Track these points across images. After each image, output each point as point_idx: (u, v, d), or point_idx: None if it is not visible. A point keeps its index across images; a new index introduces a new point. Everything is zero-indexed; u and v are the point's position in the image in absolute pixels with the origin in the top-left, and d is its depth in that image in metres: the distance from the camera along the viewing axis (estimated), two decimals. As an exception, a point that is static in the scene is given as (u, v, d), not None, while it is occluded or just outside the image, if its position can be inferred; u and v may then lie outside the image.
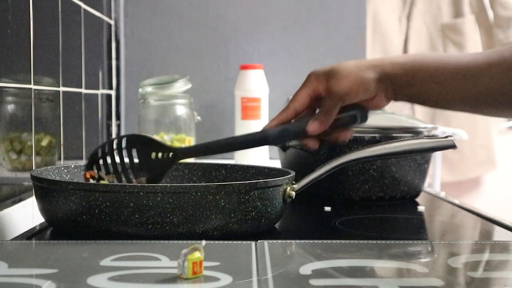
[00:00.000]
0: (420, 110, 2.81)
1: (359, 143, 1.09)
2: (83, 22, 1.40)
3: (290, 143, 1.14)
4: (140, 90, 1.55)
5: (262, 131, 0.93)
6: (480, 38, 2.84)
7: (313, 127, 0.91)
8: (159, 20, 1.78)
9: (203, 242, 0.61)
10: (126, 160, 0.97)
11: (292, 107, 0.92)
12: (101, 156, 0.96)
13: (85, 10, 1.42)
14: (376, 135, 1.12)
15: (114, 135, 1.71)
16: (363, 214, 1.07)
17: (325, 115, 0.91)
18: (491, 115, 0.95)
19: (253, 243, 0.74)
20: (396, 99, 0.93)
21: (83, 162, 1.37)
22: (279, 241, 0.80)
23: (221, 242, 0.74)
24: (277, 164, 1.31)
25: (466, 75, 0.89)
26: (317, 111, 0.93)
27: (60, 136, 1.23)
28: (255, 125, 1.60)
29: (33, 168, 1.07)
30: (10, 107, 1.01)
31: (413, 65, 0.90)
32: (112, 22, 1.71)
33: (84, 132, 1.40)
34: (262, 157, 1.61)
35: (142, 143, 0.96)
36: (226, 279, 0.61)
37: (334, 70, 0.91)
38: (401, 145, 0.90)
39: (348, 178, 1.11)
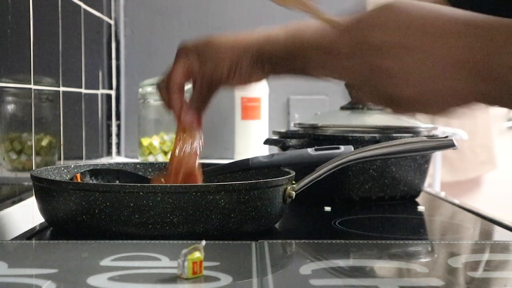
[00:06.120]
0: (420, 110, 2.81)
1: (359, 143, 1.09)
2: (83, 22, 1.40)
3: (290, 143, 1.14)
4: (140, 90, 1.55)
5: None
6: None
7: (187, 119, 0.83)
8: (159, 20, 1.78)
9: (203, 242, 0.61)
10: None
11: (171, 92, 0.85)
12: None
13: (85, 10, 1.42)
14: (376, 135, 1.12)
15: (114, 135, 1.71)
16: (363, 214, 1.07)
17: (197, 101, 0.84)
18: None
19: (253, 243, 0.74)
20: (275, 73, 0.83)
21: (83, 162, 1.38)
22: (279, 241, 0.80)
23: (221, 242, 0.74)
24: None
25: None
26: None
27: (60, 136, 1.23)
28: (255, 125, 1.60)
29: (33, 168, 1.07)
30: (10, 107, 1.01)
31: (294, 41, 0.81)
32: (112, 22, 1.71)
33: (84, 132, 1.40)
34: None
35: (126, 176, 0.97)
36: (226, 279, 0.60)
37: (207, 47, 0.83)
38: (401, 145, 0.90)
39: (348, 178, 1.11)
